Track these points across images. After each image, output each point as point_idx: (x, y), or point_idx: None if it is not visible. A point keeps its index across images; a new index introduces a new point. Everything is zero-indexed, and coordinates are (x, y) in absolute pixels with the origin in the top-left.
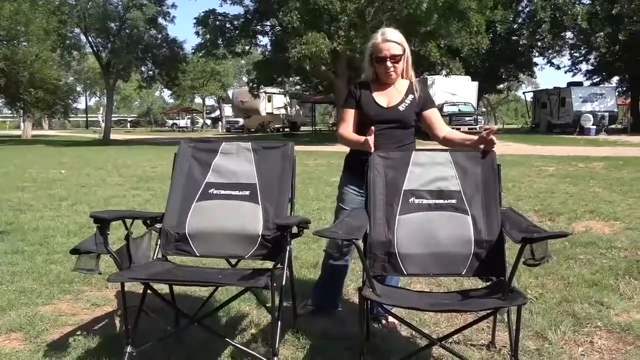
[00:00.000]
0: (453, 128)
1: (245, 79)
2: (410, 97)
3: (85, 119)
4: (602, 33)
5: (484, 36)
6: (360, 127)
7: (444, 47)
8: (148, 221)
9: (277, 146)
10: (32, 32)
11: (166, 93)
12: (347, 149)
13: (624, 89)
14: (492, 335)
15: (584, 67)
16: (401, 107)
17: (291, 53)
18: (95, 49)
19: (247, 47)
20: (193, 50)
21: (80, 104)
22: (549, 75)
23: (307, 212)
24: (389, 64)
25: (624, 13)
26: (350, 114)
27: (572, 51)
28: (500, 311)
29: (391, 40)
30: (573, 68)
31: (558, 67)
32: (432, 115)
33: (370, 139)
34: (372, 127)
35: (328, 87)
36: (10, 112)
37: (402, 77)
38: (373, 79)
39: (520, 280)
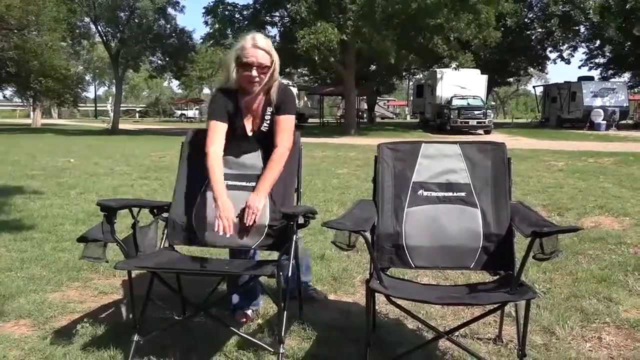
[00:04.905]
0: (462, 122)
1: None
2: (269, 110)
3: (94, 108)
4: (613, 25)
5: (490, 30)
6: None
7: (453, 40)
8: (155, 210)
9: None
10: (42, 21)
11: (175, 83)
12: (360, 142)
13: (636, 83)
14: (499, 330)
15: (597, 61)
16: (264, 128)
17: (300, 43)
18: (104, 38)
19: None
20: (201, 40)
21: (90, 94)
22: (560, 69)
23: (314, 204)
24: (254, 72)
25: (637, 7)
26: (222, 129)
27: (587, 44)
28: (518, 305)
29: (261, 47)
30: (587, 62)
31: (568, 62)
32: (279, 122)
33: (225, 225)
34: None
35: (336, 79)
36: (20, 100)
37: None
38: (237, 86)
39: (528, 274)
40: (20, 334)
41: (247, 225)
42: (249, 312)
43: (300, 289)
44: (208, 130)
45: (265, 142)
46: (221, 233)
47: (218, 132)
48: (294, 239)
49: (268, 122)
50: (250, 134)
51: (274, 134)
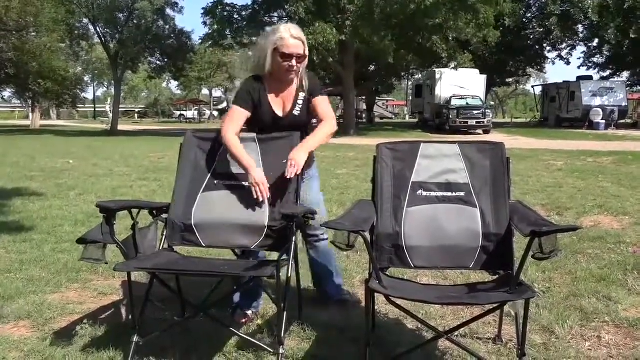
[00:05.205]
0: (461, 122)
1: None
2: (302, 95)
3: (93, 109)
4: (612, 24)
5: (490, 30)
6: (253, 126)
7: (452, 40)
8: (154, 211)
9: (283, 136)
10: (41, 22)
11: (173, 84)
12: (360, 142)
13: (635, 82)
14: (498, 329)
15: (595, 60)
16: (296, 112)
17: None
18: (103, 39)
19: (254, 38)
20: (200, 41)
21: (89, 95)
22: (558, 69)
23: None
24: (294, 62)
25: (636, 7)
26: (241, 115)
27: (586, 42)
28: (512, 305)
29: (298, 38)
30: (586, 62)
31: (568, 62)
32: (318, 103)
33: (261, 190)
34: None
35: (335, 80)
36: (19, 102)
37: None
38: (270, 72)
39: (528, 274)
40: (20, 335)
41: (288, 178)
42: (249, 312)
43: (301, 291)
44: (228, 113)
45: (296, 125)
46: (261, 199)
47: (236, 117)
48: (294, 239)
49: (300, 106)
50: (281, 116)
51: (317, 114)
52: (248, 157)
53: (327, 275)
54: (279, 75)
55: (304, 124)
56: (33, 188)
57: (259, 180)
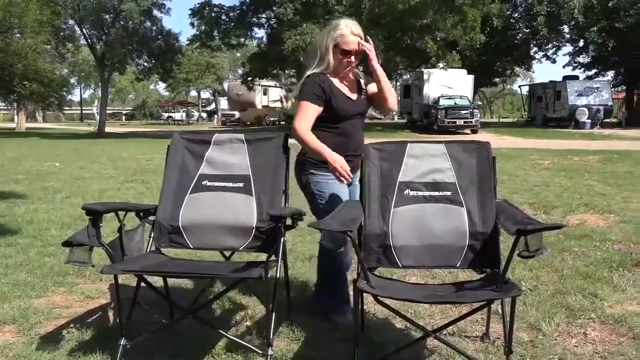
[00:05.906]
0: (449, 122)
1: (240, 71)
2: (362, 81)
3: (79, 111)
4: (595, 28)
5: (477, 32)
6: (326, 120)
7: (440, 40)
8: (141, 213)
9: (271, 137)
10: (25, 23)
11: (161, 86)
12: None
13: (619, 82)
14: (486, 327)
15: (580, 60)
16: (363, 96)
17: (286, 44)
18: (89, 41)
19: (242, 40)
20: (188, 42)
21: (75, 97)
22: (545, 69)
23: (301, 205)
24: (352, 58)
25: (620, 6)
26: (315, 111)
27: (571, 43)
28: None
29: (358, 34)
30: (572, 62)
31: (554, 61)
32: (372, 88)
33: (342, 173)
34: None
35: None
36: (4, 104)
37: None
38: (332, 69)
39: (515, 272)
40: (5, 340)
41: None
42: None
43: (289, 287)
44: (299, 109)
45: (365, 111)
46: (345, 182)
47: (310, 112)
48: (282, 240)
49: (364, 91)
50: (355, 100)
51: (378, 100)
52: (325, 147)
53: None
54: (337, 69)
55: (367, 111)
56: (18, 191)
57: (338, 164)
